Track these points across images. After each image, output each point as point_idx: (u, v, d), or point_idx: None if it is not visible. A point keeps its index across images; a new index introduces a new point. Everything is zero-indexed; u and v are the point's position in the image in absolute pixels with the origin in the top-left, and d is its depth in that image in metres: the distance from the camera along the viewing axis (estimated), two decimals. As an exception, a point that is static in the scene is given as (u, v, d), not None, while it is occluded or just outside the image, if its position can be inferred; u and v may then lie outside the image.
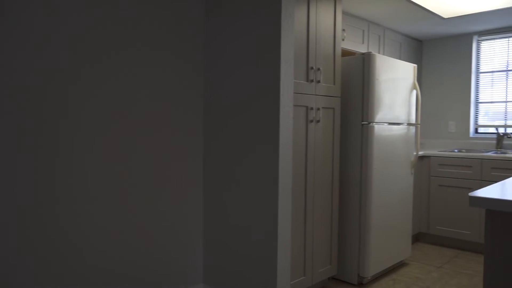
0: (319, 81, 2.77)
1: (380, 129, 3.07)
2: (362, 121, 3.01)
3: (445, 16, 3.71)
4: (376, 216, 3.06)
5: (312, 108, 2.73)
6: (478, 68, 4.42)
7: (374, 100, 2.98)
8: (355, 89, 3.05)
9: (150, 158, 2.42)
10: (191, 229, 2.65)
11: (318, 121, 2.78)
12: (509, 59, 4.20)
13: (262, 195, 2.29)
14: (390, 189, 3.20)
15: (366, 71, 2.99)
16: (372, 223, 3.01)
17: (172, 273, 2.55)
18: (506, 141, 4.13)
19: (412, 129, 3.46)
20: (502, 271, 1.45)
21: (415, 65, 3.45)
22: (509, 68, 4.21)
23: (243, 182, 2.40)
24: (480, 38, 4.37)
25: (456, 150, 4.22)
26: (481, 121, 4.41)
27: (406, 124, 3.36)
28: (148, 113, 2.40)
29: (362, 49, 3.77)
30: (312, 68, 2.71)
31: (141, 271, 2.40)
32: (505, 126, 4.20)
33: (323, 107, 2.83)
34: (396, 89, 3.24)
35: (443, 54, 4.58)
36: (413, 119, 3.47)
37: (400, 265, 3.46)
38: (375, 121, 3.00)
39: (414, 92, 3.47)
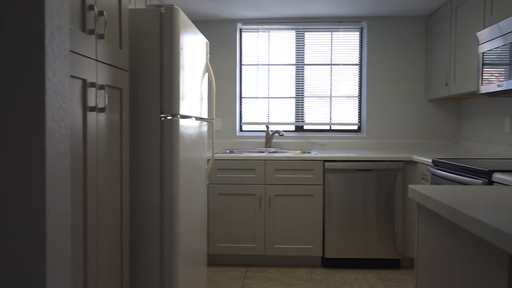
0: (102, 36, 1.51)
1: (186, 126, 2.08)
2: (162, 113, 1.93)
3: (227, -11, 3.06)
4: (184, 252, 2.05)
5: (93, 85, 1.45)
6: (242, 60, 4.03)
7: (179, 82, 1.96)
8: (149, 61, 1.93)
9: None
10: None
11: (102, 109, 1.52)
12: (270, 53, 4.00)
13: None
14: (193, 208, 2.26)
15: (168, 35, 1.92)
16: (180, 265, 1.99)
17: None
18: (274, 140, 3.90)
19: (205, 126, 2.62)
20: None
21: (207, 41, 2.62)
22: (270, 63, 4.01)
23: None
24: (244, 27, 3.98)
25: (227, 151, 3.68)
26: (245, 119, 4.05)
27: (200, 119, 2.49)
28: None
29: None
30: (91, 7, 1.44)
31: None
32: (269, 124, 3.98)
33: (108, 85, 1.59)
34: (196, 69, 2.32)
35: (208, 40, 3.95)
36: (207, 113, 2.63)
37: (197, 309, 2.56)
38: (180, 113, 1.99)
39: (207, 76, 2.64)
